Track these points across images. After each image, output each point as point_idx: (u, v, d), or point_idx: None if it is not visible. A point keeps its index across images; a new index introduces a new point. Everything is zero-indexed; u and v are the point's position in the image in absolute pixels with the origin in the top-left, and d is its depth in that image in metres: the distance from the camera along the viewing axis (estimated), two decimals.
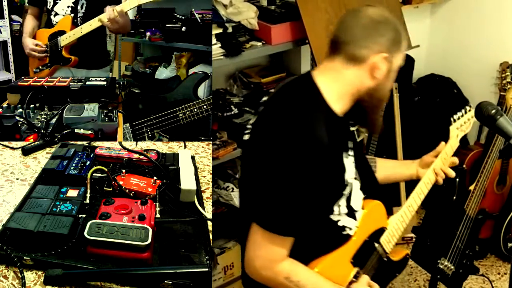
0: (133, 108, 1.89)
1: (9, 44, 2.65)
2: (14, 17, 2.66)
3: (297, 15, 1.89)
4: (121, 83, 1.97)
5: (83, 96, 1.74)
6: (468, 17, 2.70)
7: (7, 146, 1.55)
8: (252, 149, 1.13)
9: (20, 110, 1.62)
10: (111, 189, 1.29)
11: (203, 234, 1.19)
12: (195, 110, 1.74)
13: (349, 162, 1.13)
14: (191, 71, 2.44)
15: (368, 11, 1.07)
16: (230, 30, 1.87)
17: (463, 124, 1.40)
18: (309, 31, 1.87)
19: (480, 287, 2.32)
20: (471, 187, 1.99)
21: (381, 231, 1.23)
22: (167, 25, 2.46)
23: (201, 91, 2.06)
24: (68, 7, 2.04)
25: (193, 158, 1.56)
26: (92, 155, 1.41)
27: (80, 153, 1.42)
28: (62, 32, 2.03)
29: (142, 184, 1.30)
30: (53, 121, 1.56)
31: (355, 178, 1.17)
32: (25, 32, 2.15)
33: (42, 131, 1.51)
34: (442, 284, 1.99)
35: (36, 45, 2.07)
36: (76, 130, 1.51)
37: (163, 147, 1.71)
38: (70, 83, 1.79)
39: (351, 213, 1.16)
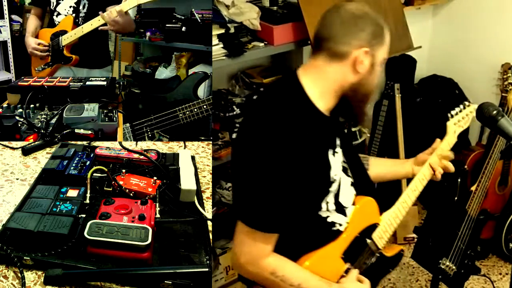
0: (133, 108, 1.89)
1: (9, 44, 2.66)
2: (14, 17, 2.66)
3: (299, 16, 1.89)
4: (121, 83, 1.96)
5: (83, 96, 1.74)
6: (470, 18, 2.70)
7: (7, 146, 1.55)
8: (236, 147, 1.14)
9: (20, 110, 1.61)
10: (111, 189, 1.29)
11: (203, 234, 1.18)
12: (195, 110, 1.74)
13: (335, 159, 1.13)
14: (191, 71, 2.44)
15: (347, 7, 1.07)
16: (232, 30, 1.87)
17: (460, 120, 1.39)
18: (311, 32, 1.87)
19: (481, 287, 2.32)
20: (473, 188, 1.98)
21: (373, 227, 1.23)
22: (167, 25, 2.46)
23: (201, 91, 2.06)
24: (70, 7, 2.05)
25: (193, 158, 1.56)
26: (92, 155, 1.41)
27: (80, 153, 1.42)
28: (63, 32, 2.04)
29: (142, 184, 1.30)
30: (53, 121, 1.56)
31: (347, 175, 1.18)
32: (28, 31, 2.17)
33: (42, 131, 1.51)
34: (443, 284, 1.99)
35: (39, 44, 2.09)
36: (76, 130, 1.51)
37: (163, 147, 1.71)
38: (70, 83, 1.79)
39: (341, 209, 1.16)
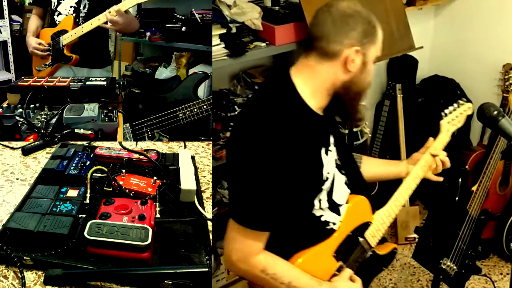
0: (133, 108, 1.89)
1: (9, 44, 2.66)
2: (14, 17, 2.67)
3: (301, 16, 1.89)
4: (121, 83, 1.96)
5: (83, 96, 1.74)
6: (472, 18, 2.70)
7: (7, 146, 1.55)
8: (229, 145, 1.14)
9: (20, 110, 1.61)
10: (111, 189, 1.29)
11: (203, 234, 1.18)
12: (195, 110, 1.74)
13: (328, 157, 1.13)
14: (191, 71, 2.44)
15: (338, 5, 1.07)
16: (234, 30, 1.87)
17: (454, 119, 1.39)
18: None
19: (482, 287, 2.31)
20: (474, 188, 1.98)
21: (365, 225, 1.23)
22: (167, 25, 2.46)
23: (201, 91, 2.05)
24: (71, 7, 2.06)
25: (193, 158, 1.56)
26: (92, 155, 1.41)
27: (80, 153, 1.41)
28: (64, 32, 2.04)
29: (142, 184, 1.30)
30: (53, 121, 1.55)
31: (341, 173, 1.18)
32: (29, 31, 2.18)
33: (42, 131, 1.51)
34: (444, 284, 1.99)
35: (39, 44, 2.09)
36: (76, 130, 1.50)
37: (163, 147, 1.70)
38: (70, 83, 1.79)
39: (334, 207, 1.17)
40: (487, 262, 2.47)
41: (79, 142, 1.54)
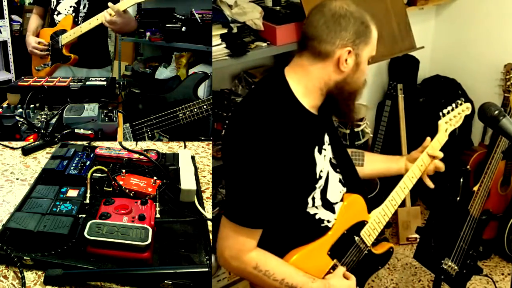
0: (133, 108, 1.88)
1: (9, 44, 2.66)
2: (14, 17, 2.67)
3: (302, 16, 1.89)
4: (121, 83, 1.96)
5: (83, 96, 1.74)
6: (473, 18, 2.69)
7: (7, 146, 1.55)
8: (223, 143, 1.15)
9: (20, 110, 1.61)
10: (111, 189, 1.29)
11: (203, 234, 1.18)
12: (195, 110, 1.74)
13: (322, 156, 1.14)
14: (191, 71, 2.44)
15: (331, 6, 1.07)
16: (235, 30, 1.87)
17: (452, 118, 1.39)
18: None
19: (483, 287, 2.31)
20: (475, 188, 1.98)
21: (361, 224, 1.23)
22: (167, 25, 2.46)
23: (201, 91, 2.05)
24: (71, 6, 2.06)
25: (193, 158, 1.56)
26: (92, 155, 1.41)
27: (80, 153, 1.41)
28: (63, 31, 2.04)
29: (142, 184, 1.29)
30: (53, 121, 1.55)
31: (336, 171, 1.18)
32: (28, 30, 2.18)
33: (42, 131, 1.50)
34: (446, 285, 1.98)
35: (39, 43, 2.09)
36: (76, 130, 1.50)
37: (163, 147, 1.70)
38: (70, 83, 1.79)
39: (329, 205, 1.17)
40: (489, 263, 2.46)
41: (79, 142, 1.54)
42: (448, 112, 1.38)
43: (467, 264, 1.93)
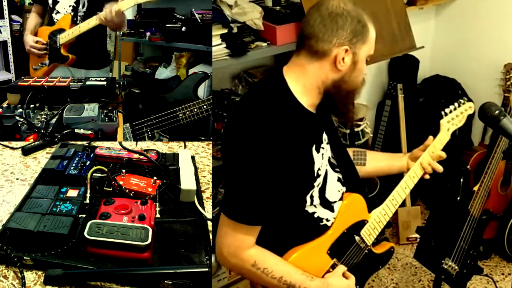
0: (133, 108, 1.88)
1: (9, 44, 2.66)
2: (14, 17, 2.66)
3: (302, 16, 1.88)
4: (121, 83, 1.96)
5: (83, 96, 1.74)
6: (473, 18, 2.69)
7: (7, 146, 1.55)
8: (222, 141, 1.15)
9: (20, 110, 1.61)
10: (111, 189, 1.28)
11: (203, 234, 1.18)
12: (195, 110, 1.74)
13: (320, 154, 1.14)
14: (191, 71, 2.44)
15: (328, 4, 1.07)
16: (235, 30, 1.87)
17: (454, 118, 1.38)
18: None
19: (484, 287, 2.31)
20: (475, 188, 1.98)
21: (362, 223, 1.23)
22: (167, 25, 2.46)
23: (201, 91, 2.05)
24: (70, 6, 2.05)
25: (193, 158, 1.56)
26: (92, 155, 1.41)
27: (80, 153, 1.41)
28: (62, 30, 2.03)
29: (142, 184, 1.29)
30: (53, 121, 1.55)
31: (334, 171, 1.18)
32: (27, 29, 2.16)
33: (42, 131, 1.50)
34: (446, 284, 1.98)
35: (37, 42, 2.08)
36: (76, 130, 1.50)
37: (163, 147, 1.70)
38: (70, 83, 1.79)
39: (327, 204, 1.17)
40: (489, 262, 2.46)
41: (79, 142, 1.54)
42: (450, 111, 1.37)
43: (467, 264, 1.93)
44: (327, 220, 1.17)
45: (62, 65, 2.09)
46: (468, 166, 2.31)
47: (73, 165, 1.33)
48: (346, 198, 1.21)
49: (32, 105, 1.64)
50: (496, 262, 2.47)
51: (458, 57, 2.83)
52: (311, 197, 1.13)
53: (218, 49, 1.81)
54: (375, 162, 1.40)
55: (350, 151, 1.36)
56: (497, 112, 1.11)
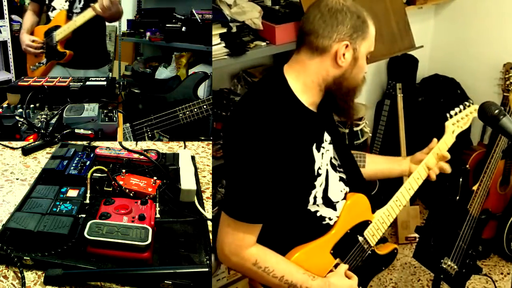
0: (133, 108, 1.89)
1: (9, 44, 2.66)
2: (14, 17, 2.67)
3: (301, 15, 1.88)
4: (121, 83, 1.96)
5: (83, 96, 1.74)
6: (472, 18, 2.69)
7: (7, 146, 1.55)
8: (223, 139, 1.16)
9: (20, 110, 1.61)
10: (111, 189, 1.28)
11: (203, 234, 1.18)
12: (195, 110, 1.74)
13: (320, 153, 1.14)
14: (191, 71, 2.44)
15: (328, 1, 1.07)
16: (234, 29, 1.87)
17: (460, 120, 1.38)
18: None
19: (483, 287, 2.31)
20: (475, 187, 1.98)
21: (365, 224, 1.23)
22: (167, 25, 2.46)
23: (201, 91, 2.05)
24: (66, 1, 2.02)
25: (193, 158, 1.56)
26: (92, 155, 1.41)
27: (80, 153, 1.41)
28: (57, 27, 2.01)
29: (142, 184, 1.29)
30: (53, 121, 1.55)
31: (336, 171, 1.18)
32: (23, 28, 2.14)
33: (42, 131, 1.50)
34: (445, 284, 1.99)
35: (33, 41, 2.06)
36: (76, 130, 1.50)
37: (163, 147, 1.70)
38: (70, 83, 1.79)
39: (330, 204, 1.17)
40: (488, 262, 2.46)
41: (79, 142, 1.54)
42: (456, 114, 1.37)
43: (466, 263, 1.93)
44: (330, 219, 1.17)
45: (60, 64, 2.07)
46: (467, 166, 2.31)
47: (73, 165, 1.34)
48: (349, 198, 1.21)
49: (32, 105, 1.64)
50: (495, 261, 2.47)
51: (457, 57, 2.83)
52: (314, 197, 1.13)
53: (217, 48, 1.81)
54: (374, 165, 1.40)
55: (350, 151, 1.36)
56: (496, 111, 1.11)
